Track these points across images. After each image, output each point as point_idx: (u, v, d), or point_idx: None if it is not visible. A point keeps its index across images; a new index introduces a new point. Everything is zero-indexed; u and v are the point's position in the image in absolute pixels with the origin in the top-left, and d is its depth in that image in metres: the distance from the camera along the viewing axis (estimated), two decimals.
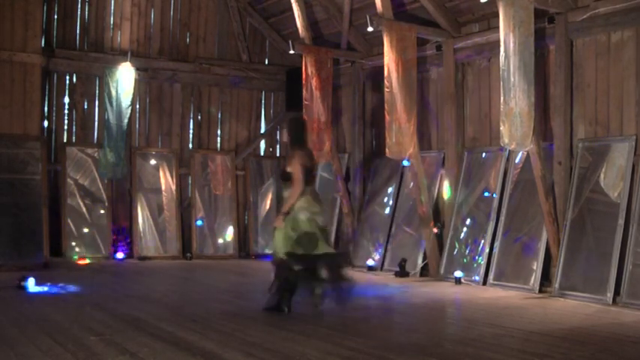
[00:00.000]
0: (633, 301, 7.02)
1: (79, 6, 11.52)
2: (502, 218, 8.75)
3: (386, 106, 9.25)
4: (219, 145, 12.63)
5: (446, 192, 9.69)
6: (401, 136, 9.15)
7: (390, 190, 10.67)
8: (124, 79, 11.36)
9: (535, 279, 8.10)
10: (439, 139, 10.10)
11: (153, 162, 12.00)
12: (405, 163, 9.65)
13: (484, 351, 5.00)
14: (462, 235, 9.29)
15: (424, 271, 9.62)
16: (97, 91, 11.59)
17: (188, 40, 12.41)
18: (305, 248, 6.48)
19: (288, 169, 6.60)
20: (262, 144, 13.11)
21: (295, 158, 6.60)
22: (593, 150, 7.98)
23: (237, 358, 4.66)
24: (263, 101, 13.07)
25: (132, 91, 11.42)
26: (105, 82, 11.30)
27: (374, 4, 9.23)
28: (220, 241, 12.14)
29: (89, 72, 11.50)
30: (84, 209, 11.23)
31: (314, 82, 10.70)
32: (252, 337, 5.37)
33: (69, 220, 11.03)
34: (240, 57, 12.76)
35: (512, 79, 7.56)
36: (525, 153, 8.32)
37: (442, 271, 9.32)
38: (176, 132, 12.23)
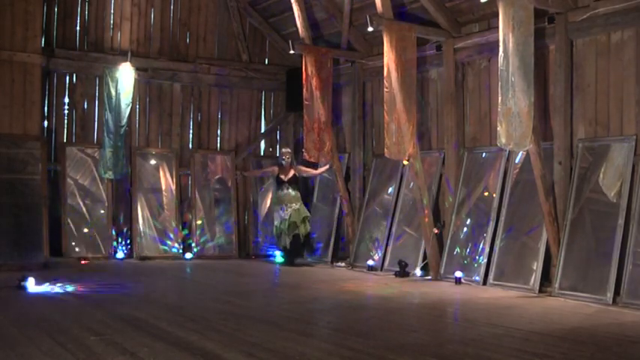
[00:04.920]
0: (633, 301, 7.02)
1: (79, 6, 11.52)
2: (502, 218, 8.75)
3: (385, 107, 9.25)
4: (219, 145, 12.64)
5: (447, 198, 9.70)
6: (400, 136, 9.15)
7: (390, 190, 10.68)
8: (124, 79, 11.35)
9: (535, 279, 8.10)
10: (439, 139, 10.10)
11: (153, 162, 12.00)
12: (405, 163, 9.65)
13: (484, 351, 5.00)
14: (462, 235, 9.29)
15: (424, 271, 9.62)
16: (97, 91, 11.59)
17: (188, 40, 12.41)
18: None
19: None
20: (262, 144, 13.12)
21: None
22: (593, 150, 7.98)
23: (237, 358, 4.66)
24: (263, 101, 13.07)
25: (132, 91, 11.41)
26: (105, 82, 11.30)
27: (374, 4, 9.23)
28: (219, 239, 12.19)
29: (89, 72, 11.50)
30: (84, 209, 11.23)
31: (314, 82, 10.70)
32: (252, 337, 5.37)
33: (69, 220, 11.03)
34: (240, 57, 12.76)
35: (511, 79, 7.55)
36: (525, 153, 8.31)
37: (442, 271, 9.32)
38: (176, 132, 12.23)
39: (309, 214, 11.30)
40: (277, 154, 13.15)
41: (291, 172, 11.27)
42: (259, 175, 12.42)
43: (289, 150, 11.55)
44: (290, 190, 11.14)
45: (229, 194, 12.41)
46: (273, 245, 11.91)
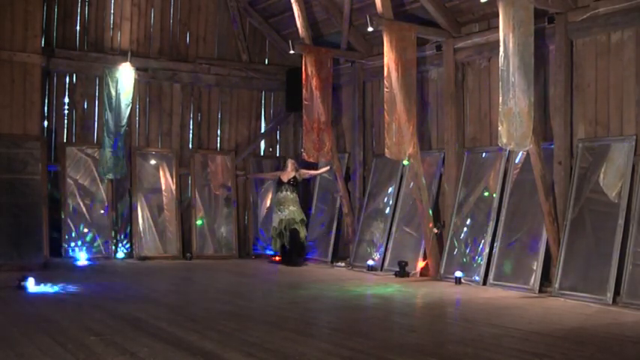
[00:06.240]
0: (633, 301, 7.02)
1: (79, 6, 11.51)
2: (502, 218, 8.75)
3: (385, 107, 9.26)
4: (219, 145, 12.64)
5: (447, 198, 9.70)
6: (400, 136, 9.16)
7: (390, 190, 10.67)
8: (124, 79, 11.35)
9: (535, 279, 8.10)
10: (439, 139, 10.10)
11: (153, 162, 11.99)
12: (405, 163, 9.65)
13: (484, 351, 5.00)
14: (462, 235, 9.29)
15: (424, 271, 9.61)
16: (97, 91, 11.58)
17: (188, 40, 12.41)
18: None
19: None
20: (262, 144, 13.12)
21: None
22: (593, 150, 7.98)
23: (237, 358, 4.66)
24: (263, 101, 13.07)
25: (132, 91, 11.40)
26: (105, 82, 11.29)
27: (374, 4, 9.23)
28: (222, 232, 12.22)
29: (89, 72, 11.49)
30: (84, 209, 11.22)
31: (314, 82, 10.70)
32: (252, 337, 5.37)
33: (69, 220, 11.03)
34: (240, 57, 12.76)
35: (511, 79, 7.56)
36: (525, 153, 8.32)
37: (442, 271, 9.32)
38: (176, 132, 12.22)
39: (305, 219, 11.42)
40: (277, 155, 13.19)
41: (292, 174, 11.36)
42: (262, 178, 12.65)
43: (294, 162, 11.64)
44: (288, 193, 11.27)
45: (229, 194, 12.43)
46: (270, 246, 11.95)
